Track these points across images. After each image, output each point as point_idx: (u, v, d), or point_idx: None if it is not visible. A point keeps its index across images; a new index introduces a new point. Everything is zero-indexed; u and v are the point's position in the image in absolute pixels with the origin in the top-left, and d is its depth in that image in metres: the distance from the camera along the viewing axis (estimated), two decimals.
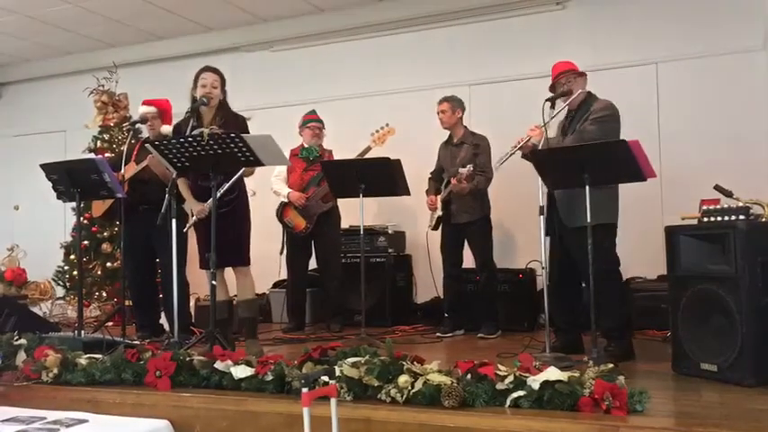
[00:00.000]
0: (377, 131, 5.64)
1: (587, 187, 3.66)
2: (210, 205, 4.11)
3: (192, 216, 4.33)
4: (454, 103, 5.44)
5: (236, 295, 4.77)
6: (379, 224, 6.36)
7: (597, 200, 3.83)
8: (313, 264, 6.02)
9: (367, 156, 5.50)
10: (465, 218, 5.30)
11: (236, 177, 4.15)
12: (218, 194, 4.03)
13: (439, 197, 5.40)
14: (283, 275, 6.28)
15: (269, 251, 5.82)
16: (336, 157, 5.80)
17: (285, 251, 5.92)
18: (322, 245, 5.82)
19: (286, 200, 5.77)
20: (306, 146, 5.85)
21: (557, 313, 4.27)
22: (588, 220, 3.67)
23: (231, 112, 4.40)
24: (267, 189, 5.84)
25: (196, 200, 4.30)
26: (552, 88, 4.28)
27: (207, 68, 4.40)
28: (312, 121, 5.89)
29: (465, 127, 5.49)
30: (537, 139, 4.11)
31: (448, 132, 5.53)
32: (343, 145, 5.95)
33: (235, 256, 4.28)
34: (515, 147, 4.19)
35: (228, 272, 4.41)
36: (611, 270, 4.07)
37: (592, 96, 4.25)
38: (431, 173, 5.63)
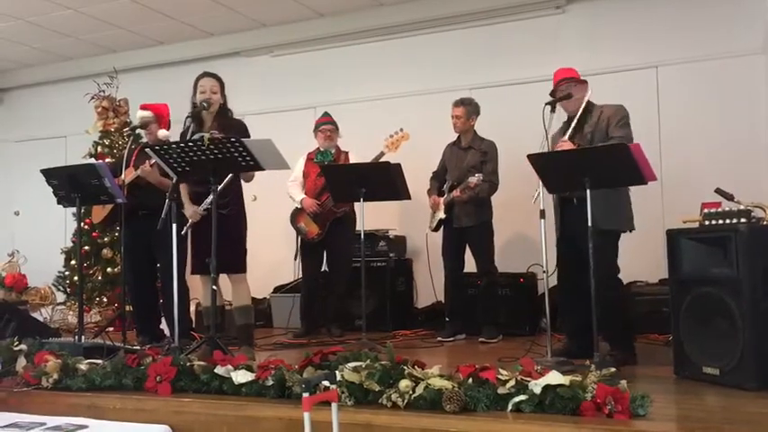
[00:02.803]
0: (390, 136, 5.52)
1: (588, 191, 3.65)
2: (201, 210, 4.12)
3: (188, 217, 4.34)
4: (470, 109, 5.39)
5: (228, 301, 4.76)
6: (379, 228, 6.35)
7: (612, 205, 3.83)
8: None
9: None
10: (466, 222, 5.29)
11: (226, 181, 4.14)
12: (210, 199, 4.03)
13: (442, 200, 5.38)
14: (281, 279, 6.27)
15: (280, 256, 5.81)
16: (353, 158, 5.76)
17: (300, 256, 5.88)
18: (333, 251, 5.79)
19: (300, 206, 5.75)
20: (321, 150, 5.83)
21: (569, 317, 4.24)
22: (589, 222, 3.66)
23: (229, 117, 4.40)
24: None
25: (192, 204, 4.31)
26: (552, 94, 4.27)
27: (205, 74, 4.42)
28: (324, 124, 5.84)
29: (475, 131, 5.47)
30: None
31: (450, 137, 5.52)
32: (350, 149, 5.93)
33: (229, 263, 4.24)
34: None
35: (221, 277, 4.38)
36: (610, 277, 4.04)
37: (591, 103, 4.22)
38: (433, 173, 5.61)
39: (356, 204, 5.63)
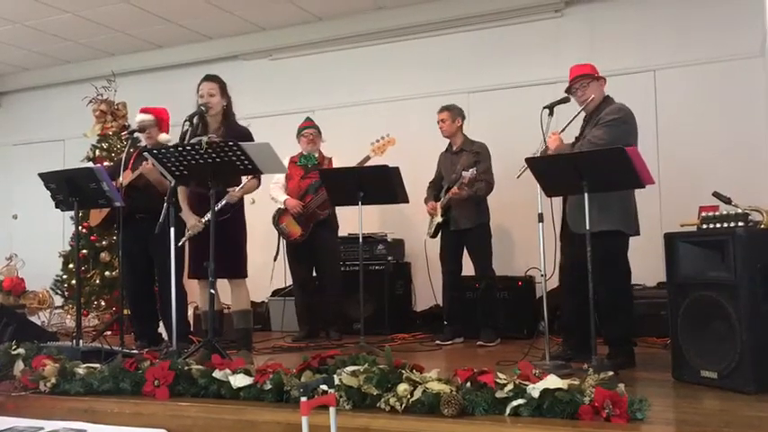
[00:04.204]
0: (377, 141, 5.57)
1: (586, 194, 3.66)
2: (204, 223, 4.13)
3: (187, 228, 4.32)
4: (453, 112, 5.44)
5: (227, 305, 4.76)
6: (378, 232, 6.35)
7: (605, 207, 3.83)
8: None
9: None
10: (464, 224, 5.29)
11: (226, 199, 4.15)
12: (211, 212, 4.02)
13: (439, 204, 5.39)
14: (277, 283, 6.26)
15: (268, 259, 5.81)
16: (336, 164, 5.79)
17: (287, 260, 5.90)
18: (321, 253, 5.80)
19: (283, 207, 5.76)
20: (304, 153, 5.84)
21: (570, 319, 4.24)
22: (587, 226, 3.67)
23: (234, 123, 4.38)
24: (266, 198, 5.82)
25: (192, 211, 4.30)
26: (568, 91, 4.27)
27: (204, 78, 4.41)
28: (307, 128, 5.88)
29: (465, 135, 5.49)
30: (553, 146, 4.08)
31: (447, 140, 5.54)
32: (341, 153, 5.93)
33: (230, 268, 4.25)
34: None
35: (220, 281, 4.37)
36: (618, 279, 4.05)
37: (607, 101, 4.20)
38: (430, 182, 5.63)
39: (341, 208, 5.67)
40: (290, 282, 6.25)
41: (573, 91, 4.24)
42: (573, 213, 4.10)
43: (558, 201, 4.29)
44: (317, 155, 5.85)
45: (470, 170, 5.12)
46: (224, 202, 4.16)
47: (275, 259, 5.89)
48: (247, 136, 4.27)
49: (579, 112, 4.20)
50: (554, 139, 4.08)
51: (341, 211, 5.82)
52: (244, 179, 4.31)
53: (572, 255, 4.13)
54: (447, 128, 5.44)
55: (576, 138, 4.23)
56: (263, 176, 4.31)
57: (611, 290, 3.95)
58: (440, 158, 5.62)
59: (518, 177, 4.12)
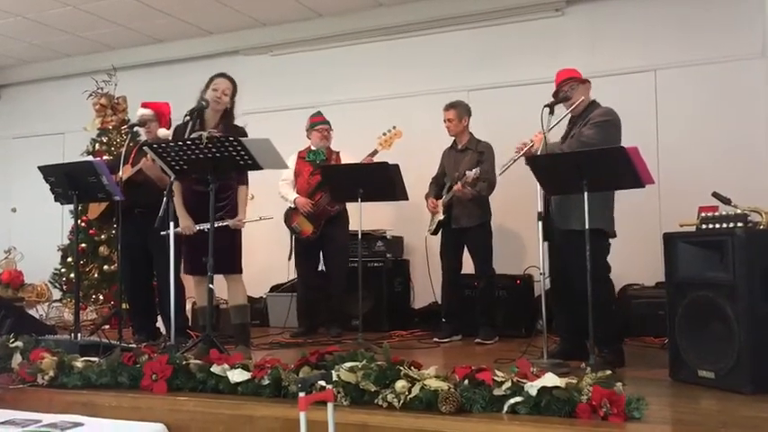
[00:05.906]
0: (384, 134, 5.55)
1: (585, 193, 3.66)
2: (195, 231, 4.14)
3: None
4: (461, 110, 5.41)
5: (223, 300, 4.75)
6: (377, 229, 6.34)
7: (591, 205, 3.84)
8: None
9: (374, 159, 5.46)
10: (466, 222, 5.29)
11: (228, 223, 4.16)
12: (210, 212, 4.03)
13: (440, 201, 5.38)
14: (276, 278, 6.25)
15: (276, 255, 5.80)
16: (344, 157, 5.75)
17: (294, 256, 5.86)
18: (330, 250, 5.74)
19: (293, 205, 5.73)
20: (313, 148, 5.80)
21: (558, 319, 4.26)
22: (586, 225, 3.67)
23: (232, 122, 4.38)
24: (264, 194, 5.81)
25: (186, 210, 4.28)
26: (555, 95, 4.28)
27: (222, 74, 4.41)
28: (320, 124, 5.82)
29: (470, 133, 5.47)
30: (539, 145, 4.12)
31: (448, 137, 5.53)
32: (341, 149, 5.93)
33: (226, 264, 4.24)
34: (518, 153, 4.20)
35: (217, 277, 4.35)
36: (598, 277, 4.05)
37: (594, 104, 4.25)
38: (432, 178, 5.62)
39: (349, 204, 5.65)
40: (290, 277, 6.24)
41: (561, 94, 4.26)
42: (559, 210, 4.12)
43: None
44: (325, 150, 5.80)
45: (474, 170, 5.11)
46: (225, 224, 4.15)
47: (290, 258, 5.86)
48: (244, 136, 4.27)
49: (567, 114, 4.24)
50: (539, 139, 4.11)
51: (350, 207, 5.77)
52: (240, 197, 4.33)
53: (557, 254, 4.15)
54: (454, 127, 5.41)
55: (563, 138, 4.28)
56: (270, 172, 4.27)
57: (593, 289, 3.94)
58: (443, 155, 5.60)
59: (500, 174, 4.30)
